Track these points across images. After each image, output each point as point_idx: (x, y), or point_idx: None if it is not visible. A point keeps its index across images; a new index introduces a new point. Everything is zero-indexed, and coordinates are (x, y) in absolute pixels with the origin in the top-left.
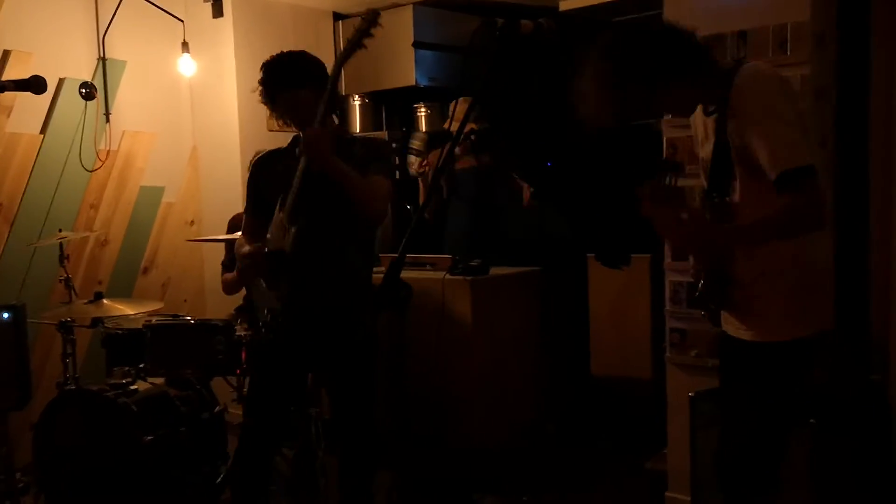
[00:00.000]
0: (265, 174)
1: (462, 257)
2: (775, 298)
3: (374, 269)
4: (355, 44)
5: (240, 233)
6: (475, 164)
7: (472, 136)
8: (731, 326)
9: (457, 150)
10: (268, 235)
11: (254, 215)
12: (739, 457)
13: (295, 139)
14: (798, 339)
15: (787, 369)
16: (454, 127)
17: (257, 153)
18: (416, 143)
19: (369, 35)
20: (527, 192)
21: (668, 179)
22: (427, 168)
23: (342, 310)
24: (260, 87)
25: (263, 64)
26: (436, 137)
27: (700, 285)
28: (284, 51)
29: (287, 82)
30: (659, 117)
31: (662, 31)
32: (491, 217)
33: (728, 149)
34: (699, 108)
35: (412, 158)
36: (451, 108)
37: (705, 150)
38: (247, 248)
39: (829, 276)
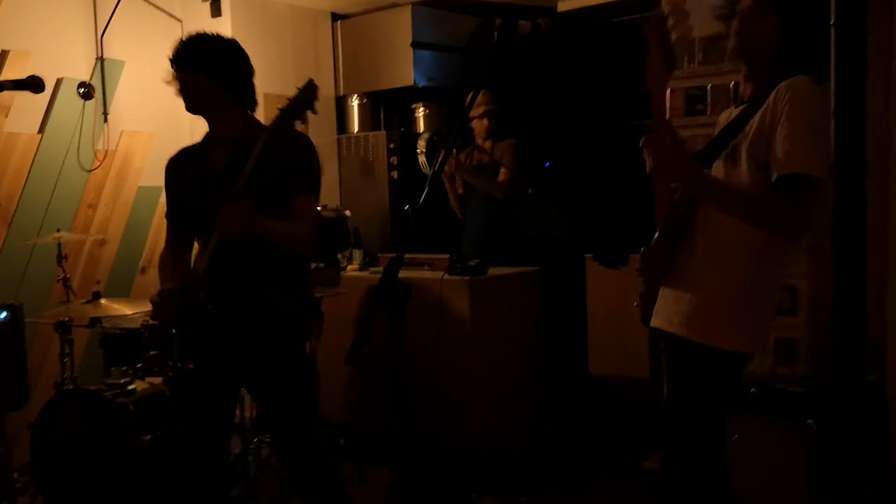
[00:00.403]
0: (177, 178)
1: (478, 255)
2: (725, 300)
3: (372, 270)
4: (286, 116)
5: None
6: (489, 159)
7: (485, 119)
8: (664, 318)
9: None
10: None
11: (173, 223)
12: (683, 453)
13: (206, 136)
14: (734, 352)
15: (727, 377)
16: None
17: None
18: (419, 144)
19: (305, 111)
20: (504, 175)
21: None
22: (451, 168)
23: (264, 342)
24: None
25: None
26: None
27: (648, 247)
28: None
29: (181, 62)
30: (741, 42)
31: None
32: (507, 215)
33: (736, 132)
34: (733, 106)
35: (422, 160)
36: (468, 99)
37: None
38: (159, 289)
39: (772, 303)
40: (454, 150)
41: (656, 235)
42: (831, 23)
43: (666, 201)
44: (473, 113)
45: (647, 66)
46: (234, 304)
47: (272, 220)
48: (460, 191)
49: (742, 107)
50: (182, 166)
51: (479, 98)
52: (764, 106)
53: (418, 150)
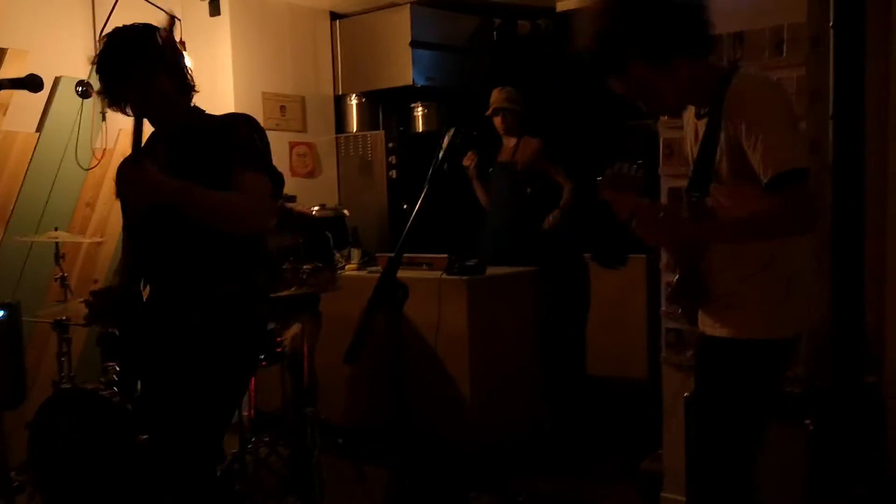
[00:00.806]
0: (120, 185)
1: (497, 255)
2: (754, 297)
3: (370, 269)
4: None
5: None
6: (510, 158)
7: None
8: (707, 325)
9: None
10: None
11: (126, 232)
12: (715, 456)
13: (151, 135)
14: (774, 340)
15: (763, 368)
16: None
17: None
18: (445, 142)
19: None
20: (470, 160)
21: (625, 168)
22: (473, 162)
23: (190, 333)
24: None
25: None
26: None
27: (675, 280)
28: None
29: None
30: (651, 108)
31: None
32: (529, 216)
33: (714, 150)
34: (692, 112)
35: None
36: (494, 96)
37: (694, 152)
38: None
39: (808, 277)
40: (474, 148)
41: (676, 276)
42: (830, 24)
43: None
44: (488, 112)
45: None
46: (162, 300)
47: (203, 187)
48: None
49: (704, 120)
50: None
51: (493, 95)
52: (723, 115)
53: (444, 142)
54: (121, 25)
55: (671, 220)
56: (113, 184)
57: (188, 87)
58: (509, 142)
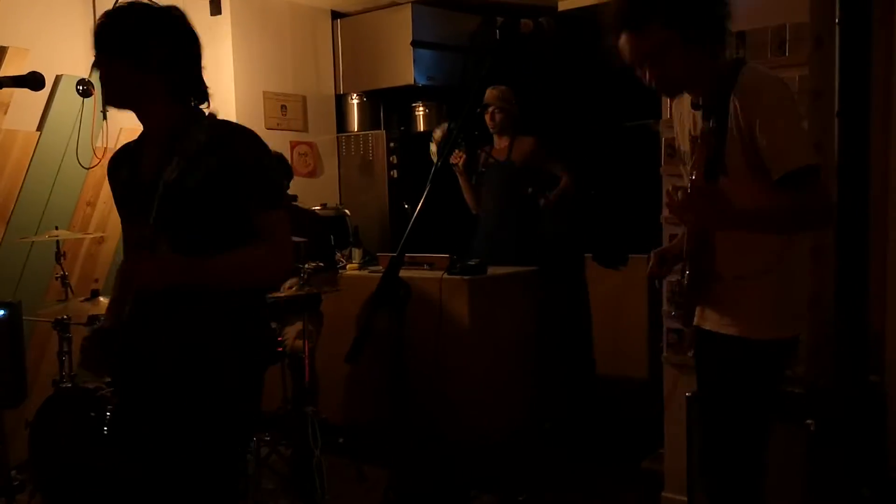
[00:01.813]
0: (113, 179)
1: (490, 256)
2: (760, 297)
3: (371, 269)
4: None
5: None
6: (504, 158)
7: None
8: (712, 322)
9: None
10: None
11: (125, 223)
12: (722, 455)
13: (142, 134)
14: (779, 339)
15: (768, 367)
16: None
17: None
18: (436, 133)
19: None
20: (458, 158)
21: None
22: (461, 160)
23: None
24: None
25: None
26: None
27: (685, 276)
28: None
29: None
30: (653, 75)
31: None
32: (521, 213)
33: (722, 144)
34: (687, 103)
35: (432, 147)
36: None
37: (688, 143)
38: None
39: (806, 279)
40: (463, 144)
41: (687, 273)
42: (836, 22)
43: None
44: (480, 110)
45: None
46: (155, 349)
47: (212, 259)
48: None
49: (701, 112)
50: (119, 165)
51: (486, 94)
52: (732, 110)
53: (433, 139)
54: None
55: (718, 198)
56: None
57: (181, 88)
58: (502, 141)
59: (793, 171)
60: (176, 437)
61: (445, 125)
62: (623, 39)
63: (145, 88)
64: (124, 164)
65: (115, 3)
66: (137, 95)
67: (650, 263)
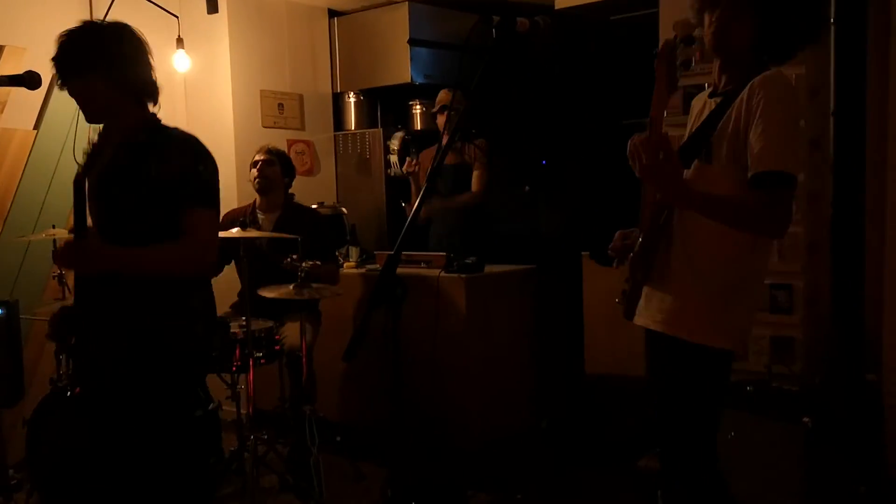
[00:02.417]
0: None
1: (455, 255)
2: (703, 299)
3: (369, 267)
4: None
5: (233, 230)
6: (459, 160)
7: (473, 132)
8: (648, 316)
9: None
10: None
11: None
12: (678, 445)
13: (101, 134)
14: (717, 349)
15: (711, 373)
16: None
17: None
18: (392, 143)
19: None
20: (412, 166)
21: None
22: (417, 167)
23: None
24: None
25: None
26: (417, 138)
27: (634, 251)
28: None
29: (70, 70)
30: (717, 36)
31: None
32: (476, 215)
33: (713, 129)
34: (705, 95)
35: (392, 158)
36: (441, 96)
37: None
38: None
39: (753, 305)
40: (415, 152)
41: (640, 240)
42: (831, 20)
43: (650, 205)
44: (434, 108)
45: (655, 92)
46: (100, 330)
47: (138, 250)
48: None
49: (716, 99)
50: (87, 160)
51: (440, 95)
52: (738, 100)
53: (391, 149)
54: (72, 27)
55: (672, 170)
56: None
57: (138, 94)
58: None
59: (765, 172)
60: (120, 418)
61: (401, 135)
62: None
63: (116, 97)
64: (90, 157)
65: (111, 2)
66: (113, 105)
67: (613, 239)
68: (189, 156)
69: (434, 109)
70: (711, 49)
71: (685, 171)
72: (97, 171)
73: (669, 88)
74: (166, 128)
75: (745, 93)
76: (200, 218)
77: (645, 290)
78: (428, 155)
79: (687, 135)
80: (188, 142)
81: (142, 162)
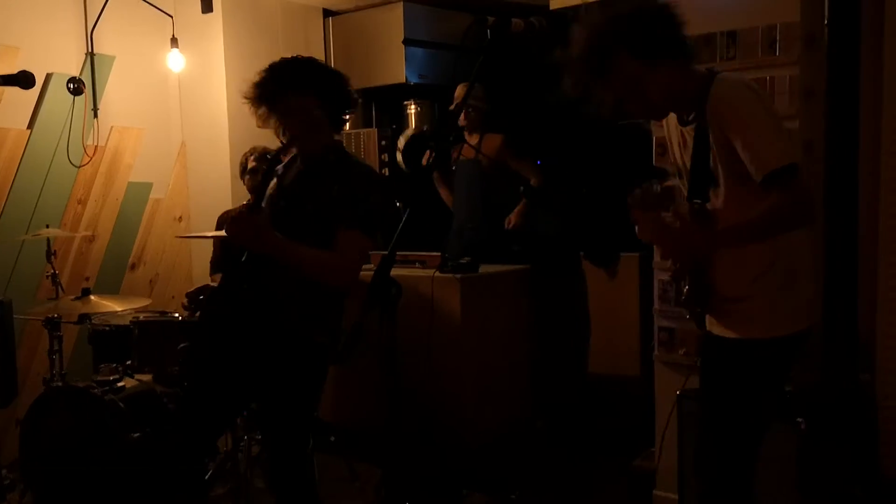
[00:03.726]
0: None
1: (463, 254)
2: (760, 298)
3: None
4: None
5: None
6: (474, 155)
7: (471, 111)
8: (717, 325)
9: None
10: None
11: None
12: (717, 456)
13: (293, 157)
14: (778, 338)
15: (768, 367)
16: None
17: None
18: (401, 142)
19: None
20: (427, 158)
21: (655, 186)
22: (430, 159)
23: (278, 346)
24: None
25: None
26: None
27: (685, 289)
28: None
29: (289, 86)
30: (636, 108)
31: (663, 10)
32: (493, 212)
33: (707, 156)
34: (674, 119)
35: (399, 157)
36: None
37: (683, 158)
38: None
39: (808, 275)
40: (432, 144)
41: (688, 286)
42: (825, 23)
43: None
44: (451, 107)
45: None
46: (260, 308)
47: (299, 245)
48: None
49: (691, 128)
50: (270, 169)
51: (458, 91)
52: (708, 120)
53: (397, 148)
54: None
55: (690, 237)
56: (105, 180)
57: (334, 121)
58: (472, 139)
59: (771, 172)
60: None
61: (410, 132)
62: (598, 87)
63: (323, 119)
64: (273, 169)
65: (106, 2)
66: (316, 126)
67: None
68: (365, 183)
69: (451, 107)
70: (655, 120)
71: (706, 204)
72: (283, 180)
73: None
74: (351, 156)
75: (708, 113)
76: (354, 239)
77: (708, 318)
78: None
79: (673, 155)
80: (369, 171)
81: (329, 180)
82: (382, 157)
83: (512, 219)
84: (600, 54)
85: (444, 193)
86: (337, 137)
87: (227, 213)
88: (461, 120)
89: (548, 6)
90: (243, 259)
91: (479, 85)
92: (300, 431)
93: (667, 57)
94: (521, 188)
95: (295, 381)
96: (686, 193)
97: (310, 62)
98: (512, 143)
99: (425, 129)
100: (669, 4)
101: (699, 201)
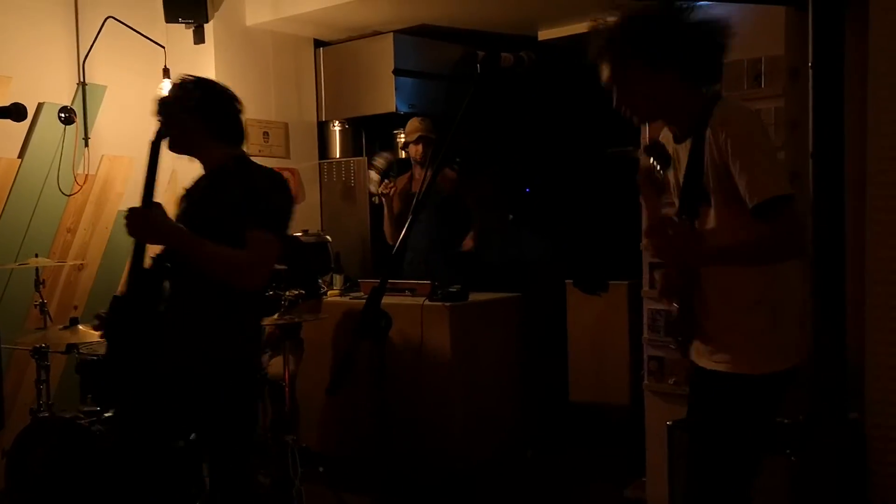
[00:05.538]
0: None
1: (440, 283)
2: (746, 332)
3: (353, 295)
4: None
5: None
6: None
7: (457, 161)
8: (703, 357)
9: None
10: None
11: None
12: (705, 491)
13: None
14: (768, 374)
15: (754, 403)
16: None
17: None
18: (378, 161)
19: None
20: (388, 188)
21: (654, 164)
22: (392, 190)
23: (195, 372)
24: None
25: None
26: (403, 162)
27: (674, 314)
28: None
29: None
30: (623, 102)
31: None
32: (450, 241)
33: (700, 175)
34: (670, 136)
35: (373, 175)
36: (415, 125)
37: (676, 174)
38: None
39: (799, 310)
40: (394, 176)
41: (678, 308)
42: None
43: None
44: (408, 138)
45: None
46: (166, 324)
47: (205, 240)
48: (396, 212)
49: (686, 144)
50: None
51: (415, 124)
52: (707, 143)
53: (375, 166)
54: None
55: (685, 237)
56: (94, 209)
57: (222, 135)
58: (422, 172)
59: (760, 203)
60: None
61: (387, 155)
62: (604, 66)
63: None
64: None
65: (99, 30)
66: (200, 142)
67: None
68: (267, 183)
69: (408, 139)
70: (639, 122)
71: (695, 222)
72: (191, 193)
73: (658, 192)
74: (253, 162)
75: (709, 134)
76: (261, 238)
77: (694, 349)
78: (402, 181)
79: (671, 179)
80: (270, 172)
81: (230, 185)
82: (369, 171)
83: (468, 243)
84: (614, 47)
85: (387, 225)
86: (239, 151)
87: None
88: (416, 153)
89: (536, 37)
90: (148, 268)
91: (427, 119)
92: (238, 458)
93: (674, 68)
94: (510, 217)
95: (222, 408)
96: (677, 210)
97: (186, 84)
98: (462, 174)
99: (394, 159)
100: (717, 30)
101: (686, 218)
